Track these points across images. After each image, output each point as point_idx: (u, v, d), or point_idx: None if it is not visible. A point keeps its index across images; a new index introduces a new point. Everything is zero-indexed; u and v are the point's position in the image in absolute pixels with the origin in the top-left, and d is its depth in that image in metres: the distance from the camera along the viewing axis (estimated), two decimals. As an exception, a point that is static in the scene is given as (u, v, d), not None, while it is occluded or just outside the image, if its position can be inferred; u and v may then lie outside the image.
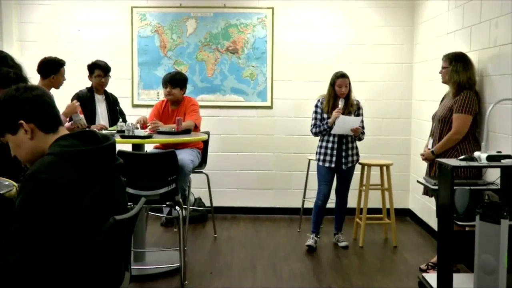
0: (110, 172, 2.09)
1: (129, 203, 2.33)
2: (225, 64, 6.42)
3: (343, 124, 4.89)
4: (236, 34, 6.40)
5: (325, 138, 5.05)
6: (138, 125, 4.83)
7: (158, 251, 4.83)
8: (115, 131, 4.62)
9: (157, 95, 6.39)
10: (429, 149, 4.40)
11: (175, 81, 5.12)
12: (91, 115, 5.16)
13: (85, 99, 5.16)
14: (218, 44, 6.40)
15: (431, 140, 4.46)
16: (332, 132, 4.97)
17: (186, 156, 4.71)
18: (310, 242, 5.12)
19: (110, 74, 5.34)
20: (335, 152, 5.01)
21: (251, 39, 6.39)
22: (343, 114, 4.93)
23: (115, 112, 5.36)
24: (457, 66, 4.24)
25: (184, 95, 5.27)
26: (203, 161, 5.29)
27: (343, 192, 5.20)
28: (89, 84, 5.34)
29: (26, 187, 1.90)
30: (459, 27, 4.88)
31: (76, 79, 5.59)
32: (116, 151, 2.23)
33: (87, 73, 5.33)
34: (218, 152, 6.41)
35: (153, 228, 5.77)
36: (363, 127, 5.04)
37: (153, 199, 4.13)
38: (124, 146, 4.37)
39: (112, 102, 5.40)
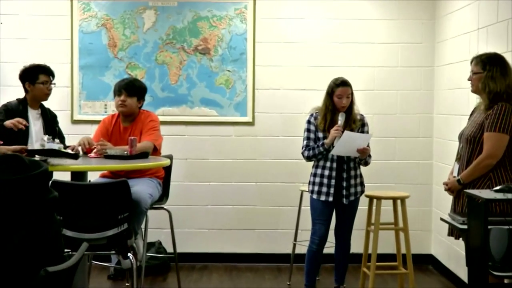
0: (41, 208, 2.08)
1: (66, 250, 2.31)
2: (193, 68, 6.44)
3: (348, 142, 4.84)
4: (207, 30, 6.43)
5: (321, 163, 5.04)
6: (81, 149, 4.78)
7: (105, 312, 4.80)
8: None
9: (105, 107, 6.38)
10: (454, 176, 4.42)
11: (132, 88, 5.11)
12: (23, 135, 5.01)
13: (15, 115, 5.04)
14: (184, 42, 6.43)
15: (457, 166, 4.48)
16: (333, 152, 4.92)
17: (142, 188, 4.68)
18: (303, 300, 5.10)
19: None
20: (333, 181, 5.00)
21: (226, 36, 6.43)
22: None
23: (53, 133, 5.21)
24: (493, 71, 4.25)
25: (141, 108, 5.27)
26: (164, 194, 5.27)
27: (344, 234, 5.19)
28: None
29: None
30: (492, 21, 4.95)
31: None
32: (50, 181, 2.22)
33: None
34: (184, 182, 6.40)
35: (98, 282, 5.73)
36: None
37: (99, 244, 4.10)
38: (62, 175, 4.34)
39: (50, 120, 5.27)
